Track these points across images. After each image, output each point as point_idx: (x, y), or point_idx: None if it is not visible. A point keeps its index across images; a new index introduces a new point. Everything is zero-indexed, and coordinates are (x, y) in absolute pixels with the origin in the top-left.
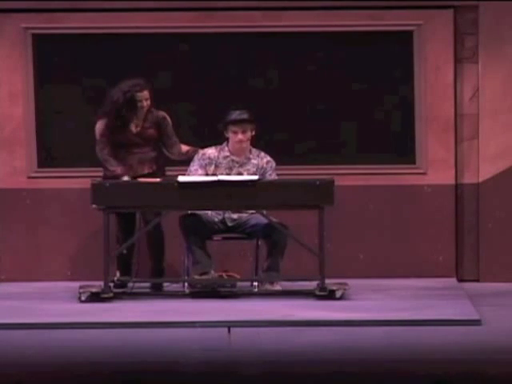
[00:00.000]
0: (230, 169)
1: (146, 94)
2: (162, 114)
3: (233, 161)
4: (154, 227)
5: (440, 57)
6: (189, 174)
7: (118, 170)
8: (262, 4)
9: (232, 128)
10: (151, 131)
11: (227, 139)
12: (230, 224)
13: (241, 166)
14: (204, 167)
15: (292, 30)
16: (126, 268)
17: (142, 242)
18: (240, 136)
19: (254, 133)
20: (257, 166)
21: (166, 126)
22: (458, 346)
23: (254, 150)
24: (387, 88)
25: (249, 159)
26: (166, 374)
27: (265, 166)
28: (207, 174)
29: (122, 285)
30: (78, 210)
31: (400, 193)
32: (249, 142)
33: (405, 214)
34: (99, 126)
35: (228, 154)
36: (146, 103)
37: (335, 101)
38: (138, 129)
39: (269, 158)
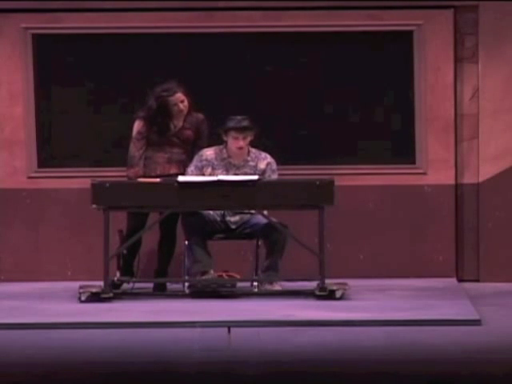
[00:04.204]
0: (227, 171)
1: (179, 96)
2: (201, 116)
3: (230, 163)
4: (169, 231)
5: (440, 57)
6: (185, 175)
7: (131, 174)
8: (262, 4)
9: (233, 134)
10: (189, 132)
11: (226, 142)
12: (232, 226)
13: (238, 168)
14: (200, 168)
15: (292, 30)
16: (127, 268)
17: (144, 242)
18: (241, 142)
19: (252, 138)
20: (254, 169)
21: (204, 129)
22: (458, 345)
23: (253, 152)
24: (387, 88)
25: (246, 161)
26: (166, 374)
27: (264, 167)
28: (203, 175)
29: (118, 285)
30: (77, 210)
31: (400, 193)
32: (247, 147)
33: (405, 214)
34: (137, 124)
35: (226, 156)
36: (183, 105)
37: (335, 101)
38: (177, 129)
39: (269, 159)
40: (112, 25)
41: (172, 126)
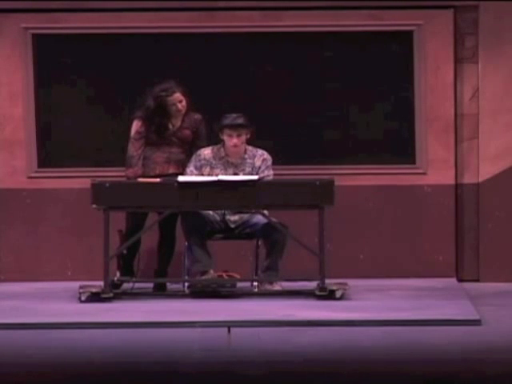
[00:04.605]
0: (226, 170)
1: (177, 96)
2: (199, 116)
3: (228, 162)
4: (168, 231)
5: (440, 57)
6: (185, 175)
7: (130, 174)
8: (262, 4)
9: (227, 132)
10: (187, 132)
11: (223, 141)
12: (231, 226)
13: (236, 166)
14: (199, 168)
15: (292, 30)
16: (127, 268)
17: (144, 242)
18: (235, 140)
19: (249, 136)
20: (252, 166)
21: (202, 129)
22: (458, 345)
23: (249, 149)
24: (387, 88)
25: (244, 159)
26: (166, 374)
27: (260, 164)
28: (202, 175)
29: (118, 285)
30: (78, 210)
31: (400, 193)
32: (244, 145)
33: (405, 214)
34: (136, 124)
35: (223, 155)
36: (181, 105)
37: (335, 100)
38: (175, 128)
39: (265, 155)
40: (112, 25)
41: (170, 126)
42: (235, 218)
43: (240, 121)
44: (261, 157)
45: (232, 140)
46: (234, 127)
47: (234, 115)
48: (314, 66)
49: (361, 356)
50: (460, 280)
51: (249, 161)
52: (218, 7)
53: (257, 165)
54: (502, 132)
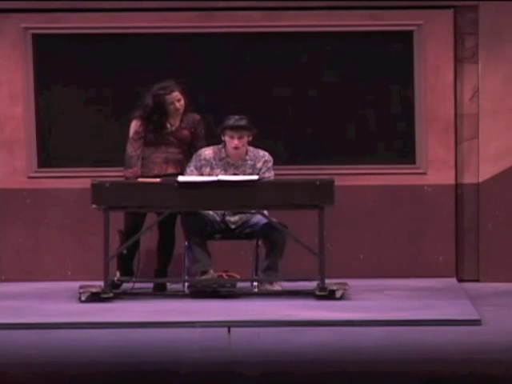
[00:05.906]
0: (226, 170)
1: (175, 95)
2: (198, 116)
3: (228, 163)
4: (167, 231)
5: (440, 57)
6: (184, 175)
7: (129, 174)
8: (262, 4)
9: (229, 133)
10: (186, 132)
11: (224, 141)
12: (232, 227)
13: (236, 167)
14: (199, 168)
15: (292, 30)
16: (127, 268)
17: (143, 242)
18: (236, 142)
19: (251, 138)
20: (253, 167)
21: (200, 129)
22: (458, 345)
23: (251, 150)
24: (387, 88)
25: (245, 161)
26: (166, 374)
27: (261, 166)
28: (202, 175)
29: (118, 285)
30: (78, 210)
31: (400, 193)
32: (245, 147)
33: (405, 214)
34: (134, 125)
35: (224, 155)
36: (179, 104)
37: (335, 101)
38: (173, 128)
39: (267, 156)
40: (112, 25)
41: (168, 125)
42: (235, 218)
43: (242, 123)
44: (262, 158)
45: (233, 142)
46: (235, 129)
47: (237, 117)
48: (314, 66)
49: (361, 356)
50: (460, 280)
51: (250, 162)
52: (217, 7)
53: (258, 166)
54: (501, 132)
